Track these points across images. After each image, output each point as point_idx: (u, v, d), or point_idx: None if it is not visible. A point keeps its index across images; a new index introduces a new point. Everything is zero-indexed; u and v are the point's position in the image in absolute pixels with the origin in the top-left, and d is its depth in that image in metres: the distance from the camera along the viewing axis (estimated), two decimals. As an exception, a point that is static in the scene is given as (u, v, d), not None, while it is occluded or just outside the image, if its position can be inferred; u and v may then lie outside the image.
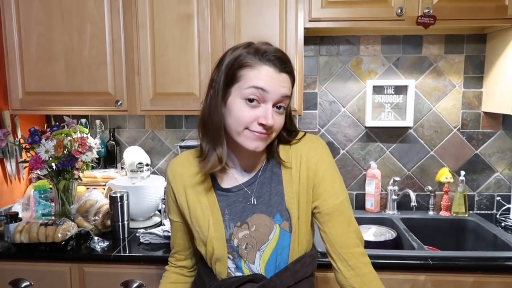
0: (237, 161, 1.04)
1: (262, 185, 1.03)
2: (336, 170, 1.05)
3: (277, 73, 0.93)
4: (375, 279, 0.98)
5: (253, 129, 0.93)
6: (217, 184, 1.04)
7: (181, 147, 1.89)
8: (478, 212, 2.00)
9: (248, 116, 0.93)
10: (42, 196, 1.81)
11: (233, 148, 1.01)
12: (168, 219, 1.17)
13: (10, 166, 1.86)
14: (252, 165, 1.04)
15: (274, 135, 0.98)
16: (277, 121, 0.95)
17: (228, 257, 1.01)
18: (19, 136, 1.87)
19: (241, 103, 0.93)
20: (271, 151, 1.04)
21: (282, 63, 0.94)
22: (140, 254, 1.51)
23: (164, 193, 1.81)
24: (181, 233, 1.12)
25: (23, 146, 1.71)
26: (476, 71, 1.94)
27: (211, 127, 0.97)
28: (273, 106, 0.94)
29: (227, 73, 0.94)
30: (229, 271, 1.02)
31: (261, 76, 0.92)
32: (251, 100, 0.92)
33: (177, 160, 1.09)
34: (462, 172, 1.93)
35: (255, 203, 1.01)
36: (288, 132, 1.04)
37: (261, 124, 0.93)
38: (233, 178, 1.04)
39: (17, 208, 1.79)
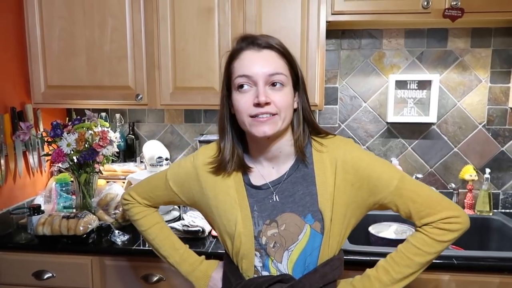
0: (262, 157, 1.04)
1: (294, 184, 1.01)
2: (378, 159, 1.02)
3: (257, 52, 0.95)
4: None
5: (253, 113, 0.94)
6: (248, 179, 1.04)
7: (200, 141, 1.89)
8: (504, 211, 1.94)
9: (243, 102, 0.95)
10: (64, 189, 1.84)
11: (254, 146, 1.03)
12: (169, 185, 1.12)
13: (33, 159, 1.89)
14: (275, 158, 1.03)
15: (282, 115, 0.95)
16: (274, 98, 0.94)
17: (255, 255, 0.99)
18: (42, 130, 1.90)
19: (236, 94, 0.97)
20: (297, 147, 1.01)
21: (262, 41, 0.95)
22: (160, 248, 1.51)
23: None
24: (164, 197, 1.15)
25: (45, 140, 1.73)
26: (504, 66, 1.88)
27: (219, 125, 1.03)
28: (267, 85, 0.94)
29: (224, 73, 1.00)
30: (255, 269, 1.00)
31: (243, 63, 0.95)
32: (241, 86, 0.95)
33: (208, 151, 1.07)
34: (487, 170, 1.87)
35: (277, 199, 1.00)
36: (314, 130, 1.03)
37: (256, 105, 0.93)
38: (263, 176, 1.03)
39: (39, 200, 1.82)
